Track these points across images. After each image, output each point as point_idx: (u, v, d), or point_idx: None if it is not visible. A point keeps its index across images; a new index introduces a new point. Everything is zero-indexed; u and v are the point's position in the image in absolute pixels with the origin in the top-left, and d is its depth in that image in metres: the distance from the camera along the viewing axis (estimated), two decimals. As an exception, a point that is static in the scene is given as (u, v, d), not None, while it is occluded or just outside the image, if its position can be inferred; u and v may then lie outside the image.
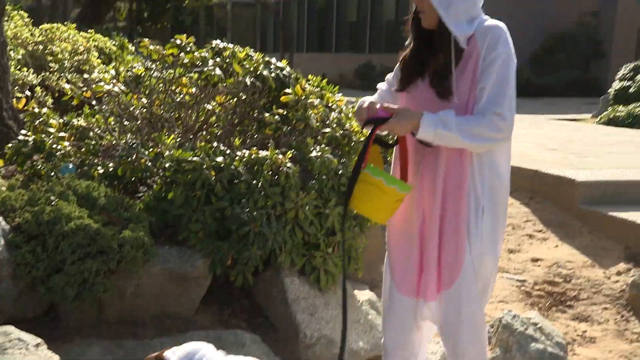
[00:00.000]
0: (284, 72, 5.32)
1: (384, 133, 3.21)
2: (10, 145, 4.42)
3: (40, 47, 7.84)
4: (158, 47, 5.25)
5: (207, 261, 3.98)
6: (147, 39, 5.56)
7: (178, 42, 5.14)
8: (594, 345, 4.75)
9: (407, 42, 3.21)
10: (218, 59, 5.25)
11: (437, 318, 3.27)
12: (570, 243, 5.96)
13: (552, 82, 22.77)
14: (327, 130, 4.90)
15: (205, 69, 4.96)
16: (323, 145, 4.61)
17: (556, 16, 21.38)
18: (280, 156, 4.21)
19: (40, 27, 8.51)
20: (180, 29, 35.38)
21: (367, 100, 3.14)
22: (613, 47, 23.52)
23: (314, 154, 4.41)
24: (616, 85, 14.77)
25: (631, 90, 14.19)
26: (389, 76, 3.33)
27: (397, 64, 3.24)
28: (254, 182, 4.13)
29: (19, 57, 7.33)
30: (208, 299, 4.16)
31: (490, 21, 2.97)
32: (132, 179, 4.40)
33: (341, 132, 4.90)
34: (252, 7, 34.87)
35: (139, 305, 3.87)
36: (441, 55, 2.99)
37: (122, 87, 4.93)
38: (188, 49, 5.12)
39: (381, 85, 3.37)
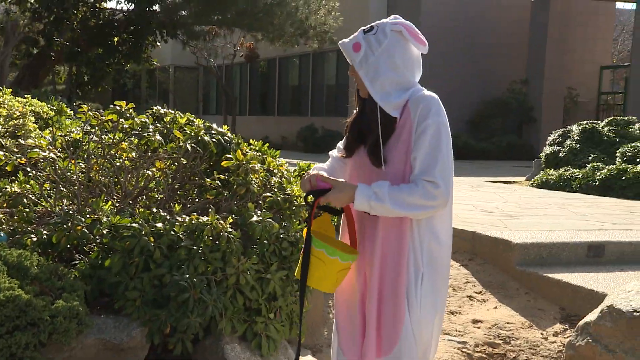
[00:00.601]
0: (225, 137, 5.30)
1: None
2: None
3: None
4: (97, 112, 5.21)
5: (145, 330, 3.89)
6: (85, 105, 5.53)
7: (118, 107, 5.10)
8: (536, 407, 4.75)
9: (355, 111, 3.27)
10: (159, 125, 5.24)
11: None
12: (508, 304, 6.01)
13: (489, 146, 23.27)
14: (269, 194, 4.90)
15: (146, 134, 4.93)
16: (264, 210, 4.61)
17: (490, 84, 21.89)
18: (221, 221, 4.18)
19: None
20: (122, 91, 35.35)
21: (313, 169, 3.21)
22: (542, 113, 24.25)
23: (255, 218, 4.40)
24: (547, 149, 15.19)
25: (561, 154, 14.59)
26: (340, 143, 3.35)
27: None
28: (194, 247, 4.09)
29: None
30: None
31: (424, 92, 3.01)
32: (67, 247, 4.30)
33: (282, 196, 4.89)
34: (194, 71, 35.05)
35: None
36: (373, 124, 3.04)
37: (59, 153, 4.87)
38: (128, 114, 5.09)
39: (332, 153, 3.41)
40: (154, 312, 3.90)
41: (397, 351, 3.12)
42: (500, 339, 5.42)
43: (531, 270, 6.29)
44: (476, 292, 6.22)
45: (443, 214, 3.10)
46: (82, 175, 4.91)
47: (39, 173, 4.96)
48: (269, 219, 4.42)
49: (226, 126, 5.71)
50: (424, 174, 2.92)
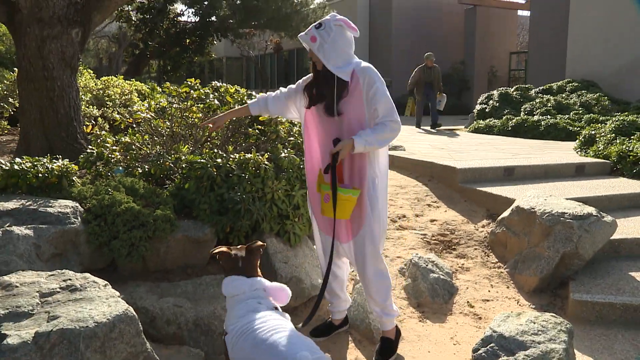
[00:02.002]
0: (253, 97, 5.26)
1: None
2: (81, 156, 4.33)
3: (101, 91, 7.71)
4: (175, 87, 5.18)
5: (213, 230, 3.92)
6: (169, 83, 5.48)
7: (189, 83, 5.06)
8: (468, 272, 4.79)
9: (307, 76, 3.36)
10: (216, 94, 5.18)
11: (350, 255, 3.40)
12: (453, 209, 6.00)
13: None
14: (292, 138, 4.87)
15: (208, 100, 4.89)
16: (289, 149, 4.58)
17: (440, 63, 21.56)
18: (260, 157, 4.17)
19: (100, 79, 8.38)
20: (192, 76, 34.93)
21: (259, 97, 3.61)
22: (474, 83, 24.04)
23: (283, 154, 4.38)
24: (477, 107, 15.04)
25: (487, 110, 14.46)
26: (291, 87, 3.47)
27: (301, 89, 3.38)
28: (243, 175, 4.08)
29: (87, 99, 7.20)
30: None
31: (363, 63, 3.15)
32: (160, 176, 4.32)
33: (301, 139, 4.86)
34: (239, 60, 34.63)
35: (170, 260, 3.80)
36: (324, 87, 3.14)
37: (153, 115, 4.84)
38: (196, 87, 5.04)
39: (283, 89, 3.52)
40: (218, 218, 3.92)
41: (362, 232, 3.26)
42: (448, 231, 5.44)
43: (468, 186, 6.27)
44: (433, 202, 6.21)
45: (383, 150, 3.28)
46: (168, 129, 4.90)
47: (140, 129, 4.95)
48: (293, 155, 4.40)
49: (262, 93, 5.66)
50: (386, 117, 3.07)
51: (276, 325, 2.43)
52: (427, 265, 4.44)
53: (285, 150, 4.47)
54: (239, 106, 4.37)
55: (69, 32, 4.59)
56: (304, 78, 3.40)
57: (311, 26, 3.10)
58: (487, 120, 13.38)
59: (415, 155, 7.69)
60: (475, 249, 5.13)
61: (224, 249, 2.74)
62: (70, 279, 2.83)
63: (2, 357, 2.25)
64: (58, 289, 2.73)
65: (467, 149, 9.08)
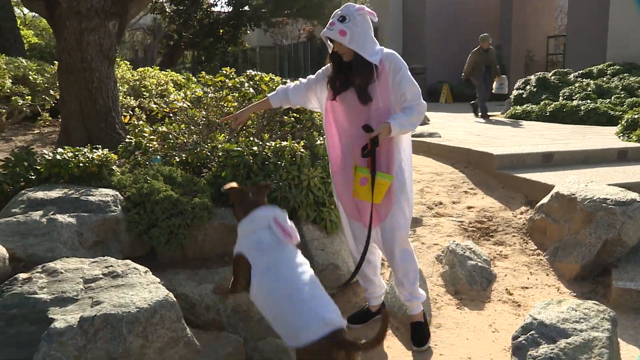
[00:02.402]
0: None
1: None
2: (120, 145, 4.41)
3: (137, 82, 7.82)
4: (210, 76, 5.22)
5: (250, 216, 3.94)
6: (204, 72, 5.53)
7: (224, 72, 5.09)
8: (507, 260, 4.73)
9: (325, 67, 3.42)
10: (251, 82, 5.20)
11: (377, 239, 3.43)
12: (491, 195, 5.93)
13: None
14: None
15: (242, 89, 4.91)
16: (325, 136, 4.58)
17: (472, 48, 21.26)
18: (296, 145, 4.17)
19: (137, 70, 8.50)
20: (225, 66, 35.09)
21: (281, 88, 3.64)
22: (511, 68, 23.53)
23: (318, 142, 4.38)
24: (514, 92, 14.76)
25: (524, 95, 14.21)
26: (311, 77, 3.53)
27: (321, 80, 3.43)
28: (279, 162, 4.09)
29: (125, 89, 7.31)
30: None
31: (385, 49, 3.20)
32: (197, 165, 4.36)
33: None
34: (273, 49, 34.67)
35: (207, 247, 3.84)
36: (359, 76, 3.15)
37: (189, 104, 4.89)
38: (231, 76, 5.07)
39: (302, 80, 3.58)
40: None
41: (392, 215, 3.30)
42: (486, 218, 5.38)
43: (506, 172, 6.19)
44: (470, 189, 6.15)
45: (407, 135, 3.34)
46: (204, 119, 4.94)
47: (177, 118, 5.01)
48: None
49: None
50: (414, 101, 3.12)
51: (301, 276, 2.65)
52: (464, 253, 4.40)
53: (321, 138, 4.46)
54: None
55: (106, 24, 4.67)
56: (323, 69, 3.43)
57: (333, 20, 3.10)
58: (524, 105, 13.13)
59: (451, 142, 7.60)
60: (514, 236, 5.06)
61: (233, 184, 3.01)
62: (112, 266, 2.89)
63: (49, 340, 2.32)
64: (101, 275, 2.80)
65: (503, 135, 8.94)
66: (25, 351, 2.38)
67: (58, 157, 3.64)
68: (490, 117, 12.95)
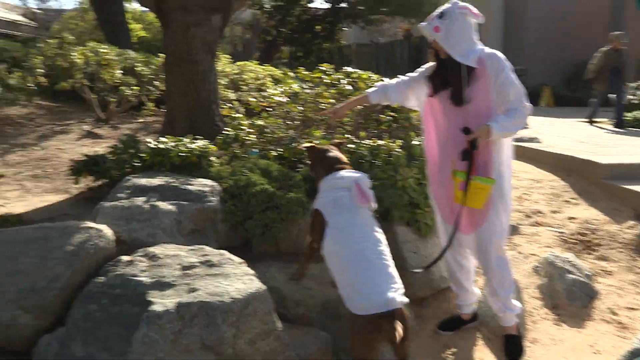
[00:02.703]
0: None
1: None
2: (219, 137, 4.51)
3: (236, 76, 8.02)
4: (308, 72, 5.26)
5: (344, 214, 3.92)
6: (302, 68, 5.58)
7: (322, 68, 5.10)
8: (611, 277, 4.44)
9: (427, 65, 3.34)
10: (348, 79, 5.19)
11: (472, 246, 3.32)
12: (595, 207, 5.58)
13: (581, 95, 21.38)
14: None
15: (339, 85, 4.91)
16: (422, 137, 4.49)
17: (579, 52, 20.09)
18: (392, 144, 4.11)
19: (236, 63, 8.73)
20: (321, 62, 35.43)
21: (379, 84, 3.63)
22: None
23: (415, 142, 4.30)
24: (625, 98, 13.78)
25: (634, 101, 13.30)
26: (411, 75, 3.45)
27: (422, 78, 3.33)
28: (374, 161, 4.04)
29: (224, 82, 7.52)
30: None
31: (487, 49, 3.08)
32: (293, 160, 4.40)
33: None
34: (369, 47, 34.57)
35: (301, 242, 3.82)
36: (451, 76, 3.07)
37: (286, 99, 4.95)
38: (328, 72, 5.08)
39: (403, 77, 3.50)
40: (349, 204, 3.92)
41: (489, 222, 3.18)
42: (588, 231, 5.07)
43: (613, 183, 5.80)
44: (572, 198, 5.83)
45: (507, 140, 3.19)
46: (300, 114, 4.98)
47: (274, 113, 5.08)
48: (425, 143, 4.30)
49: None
50: (517, 103, 3.00)
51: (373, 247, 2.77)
52: (564, 265, 4.16)
53: (418, 138, 4.37)
54: None
55: (210, 19, 4.81)
56: (425, 66, 3.35)
57: (432, 15, 3.06)
58: (635, 112, 12.31)
59: (552, 148, 7.24)
60: (620, 251, 4.74)
61: (312, 143, 3.20)
62: (208, 255, 2.97)
63: (148, 322, 2.41)
64: (197, 263, 2.88)
65: (611, 142, 8.41)
66: (127, 330, 2.49)
67: (161, 146, 3.79)
68: (596, 123, 12.20)
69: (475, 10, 3.05)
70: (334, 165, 3.05)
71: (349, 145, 4.07)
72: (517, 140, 7.91)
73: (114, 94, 6.98)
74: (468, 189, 3.03)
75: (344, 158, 3.16)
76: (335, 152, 3.14)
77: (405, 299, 2.63)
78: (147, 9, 5.37)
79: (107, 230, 3.03)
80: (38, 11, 24.47)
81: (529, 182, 6.18)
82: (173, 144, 3.88)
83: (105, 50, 7.08)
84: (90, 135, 6.32)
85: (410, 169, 4.07)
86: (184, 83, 4.86)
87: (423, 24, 3.09)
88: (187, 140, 3.96)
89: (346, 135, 4.44)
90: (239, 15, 28.18)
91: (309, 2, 24.91)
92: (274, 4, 23.68)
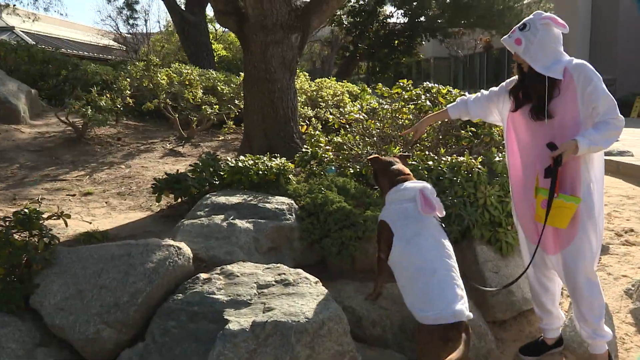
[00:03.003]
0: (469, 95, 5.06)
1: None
2: (297, 155, 4.54)
3: (315, 93, 8.10)
4: (386, 88, 5.21)
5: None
6: (380, 84, 5.55)
7: (401, 84, 5.05)
8: None
9: (510, 79, 3.23)
10: (427, 95, 5.10)
11: (558, 268, 3.14)
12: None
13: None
14: (506, 142, 4.60)
15: (419, 101, 4.83)
16: (504, 153, 4.33)
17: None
18: (473, 160, 3.99)
19: (314, 80, 8.82)
20: (399, 77, 35.26)
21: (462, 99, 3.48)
22: None
23: (497, 159, 4.15)
24: None
25: None
26: (493, 89, 3.33)
27: (504, 92, 3.22)
28: (455, 178, 3.93)
29: (302, 100, 7.61)
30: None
31: (575, 60, 2.93)
32: (371, 177, 4.35)
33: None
34: (448, 60, 34.14)
35: (377, 261, 3.81)
36: (532, 90, 2.97)
37: (364, 116, 4.93)
38: (407, 88, 5.02)
39: (484, 92, 3.39)
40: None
41: (576, 243, 2.99)
42: None
43: None
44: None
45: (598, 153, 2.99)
46: (378, 130, 4.93)
47: (352, 129, 5.06)
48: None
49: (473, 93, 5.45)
50: (608, 114, 2.81)
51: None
52: (661, 289, 3.87)
53: (500, 154, 4.22)
54: None
55: (289, 37, 4.87)
56: (508, 80, 3.24)
57: (515, 28, 2.98)
58: None
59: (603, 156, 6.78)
60: None
61: (376, 155, 3.27)
62: (284, 273, 2.96)
63: (224, 340, 2.43)
64: (273, 282, 2.88)
65: None
66: (203, 347, 2.52)
67: (240, 164, 3.85)
68: None
69: (559, 20, 2.93)
70: (398, 176, 3.08)
71: (429, 162, 3.99)
72: (607, 154, 7.48)
73: (196, 113, 7.21)
74: (551, 207, 2.88)
75: (407, 170, 3.17)
76: (398, 164, 3.17)
77: (471, 315, 2.66)
78: (228, 30, 5.52)
79: (185, 248, 3.10)
80: (128, 35, 25.86)
81: (619, 199, 5.83)
82: (252, 162, 3.93)
83: (187, 71, 7.36)
84: (172, 153, 6.55)
85: (491, 186, 3.93)
86: (261, 101, 4.95)
87: (505, 37, 3.01)
88: (266, 158, 4.00)
89: (426, 152, 4.35)
90: (318, 33, 28.62)
91: (387, 17, 24.93)
92: (352, 20, 23.86)
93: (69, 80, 8.99)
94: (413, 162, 3.98)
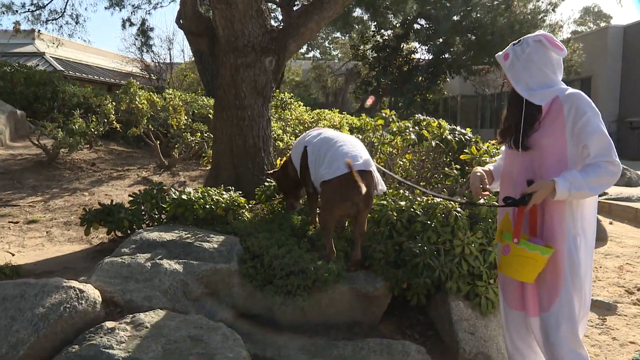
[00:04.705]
0: (466, 136, 4.63)
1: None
2: (258, 189, 4.17)
3: (314, 124, 7.80)
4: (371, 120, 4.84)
5: (387, 284, 3.39)
6: (364, 115, 5.18)
7: (383, 115, 4.67)
8: None
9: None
10: (416, 127, 4.70)
11: (537, 333, 2.68)
12: None
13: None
14: (496, 183, 4.14)
15: (403, 133, 4.43)
16: (491, 195, 3.89)
17: None
18: (452, 203, 3.55)
19: (314, 111, 8.56)
20: (424, 114, 34.87)
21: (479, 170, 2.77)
22: None
23: (481, 201, 3.69)
24: None
25: None
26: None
27: None
28: (429, 222, 3.50)
29: (298, 131, 7.25)
30: (391, 311, 3.55)
31: (571, 89, 2.51)
32: (339, 216, 3.94)
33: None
34: (475, 99, 33.79)
35: (332, 314, 3.37)
36: (512, 114, 2.64)
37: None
38: (390, 120, 4.63)
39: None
40: (394, 271, 3.39)
41: (557, 305, 2.54)
42: None
43: None
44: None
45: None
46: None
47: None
48: (494, 202, 3.69)
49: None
50: (601, 156, 2.39)
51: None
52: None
53: (486, 197, 3.77)
54: (438, 142, 3.86)
55: (262, 60, 4.54)
56: None
57: (510, 44, 2.65)
58: None
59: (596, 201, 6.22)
60: None
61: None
62: (201, 327, 2.58)
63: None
64: (185, 337, 2.49)
65: None
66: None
67: (184, 197, 3.48)
68: None
69: (556, 41, 2.56)
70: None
71: (401, 203, 3.57)
72: (625, 199, 6.91)
73: (182, 140, 6.91)
74: (510, 254, 2.48)
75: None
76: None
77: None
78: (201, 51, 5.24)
79: (91, 291, 2.71)
80: (151, 63, 26.09)
81: (634, 250, 5.32)
82: (199, 195, 3.55)
83: (170, 96, 7.08)
84: (143, 182, 6.23)
85: (473, 233, 3.50)
86: (230, 129, 4.59)
87: (500, 52, 2.67)
88: (217, 191, 3.62)
89: (400, 191, 3.93)
90: (342, 67, 28.54)
91: (412, 53, 24.79)
92: (376, 55, 23.79)
93: (66, 103, 8.86)
94: (382, 202, 3.55)
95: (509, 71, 2.59)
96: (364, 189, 3.05)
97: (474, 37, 21.57)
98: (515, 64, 2.57)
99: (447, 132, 4.53)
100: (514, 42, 2.64)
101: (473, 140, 4.62)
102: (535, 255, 2.43)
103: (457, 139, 4.50)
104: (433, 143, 4.25)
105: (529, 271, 2.47)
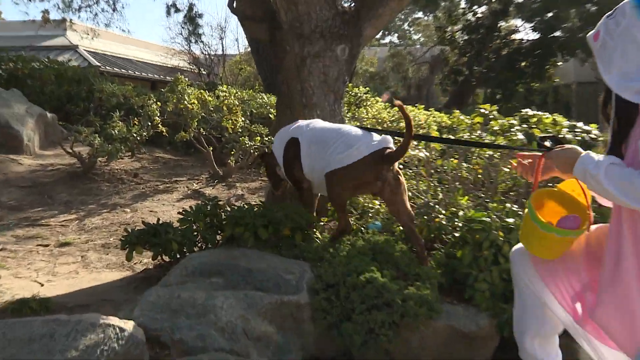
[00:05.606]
0: (591, 135, 4.44)
1: None
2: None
3: (394, 124, 7.74)
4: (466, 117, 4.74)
5: (493, 321, 3.28)
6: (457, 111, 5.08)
7: (482, 110, 4.55)
8: None
9: None
10: (524, 125, 4.55)
11: None
12: None
13: None
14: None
15: (507, 133, 4.31)
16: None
17: None
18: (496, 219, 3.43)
19: (393, 108, 8.53)
20: (528, 106, 33.87)
21: None
22: None
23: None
24: None
25: None
26: None
27: None
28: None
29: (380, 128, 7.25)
30: (500, 356, 3.40)
31: None
32: (431, 236, 3.84)
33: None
34: (594, 85, 32.62)
35: (425, 356, 3.29)
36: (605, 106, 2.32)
37: (425, 154, 4.46)
38: (491, 116, 4.51)
39: None
40: (502, 307, 3.27)
41: None
42: None
43: None
44: None
45: None
46: (453, 172, 4.43)
47: (416, 170, 4.61)
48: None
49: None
50: None
51: None
52: None
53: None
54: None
55: (333, 49, 4.50)
56: None
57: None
58: None
59: None
60: None
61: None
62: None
63: None
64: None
65: None
66: None
67: (241, 214, 3.48)
68: None
69: None
70: None
71: (508, 220, 3.45)
72: None
73: (238, 146, 6.98)
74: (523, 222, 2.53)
75: None
76: None
77: None
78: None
79: (134, 330, 2.73)
80: (201, 55, 26.73)
81: None
82: (260, 211, 3.56)
83: (224, 94, 7.16)
84: (194, 195, 6.33)
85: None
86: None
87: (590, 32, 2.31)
88: (278, 206, 3.61)
89: (506, 205, 3.80)
90: (426, 54, 28.26)
91: (512, 33, 24.22)
92: (467, 38, 23.38)
93: (103, 104, 9.12)
94: (485, 219, 3.44)
95: (599, 54, 2.20)
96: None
97: (594, 8, 20.81)
98: (607, 45, 2.17)
99: (566, 129, 4.37)
100: (608, 13, 2.22)
101: (600, 139, 4.43)
102: (551, 236, 2.42)
103: (578, 138, 4.33)
104: (548, 144, 4.08)
105: (545, 248, 2.48)
